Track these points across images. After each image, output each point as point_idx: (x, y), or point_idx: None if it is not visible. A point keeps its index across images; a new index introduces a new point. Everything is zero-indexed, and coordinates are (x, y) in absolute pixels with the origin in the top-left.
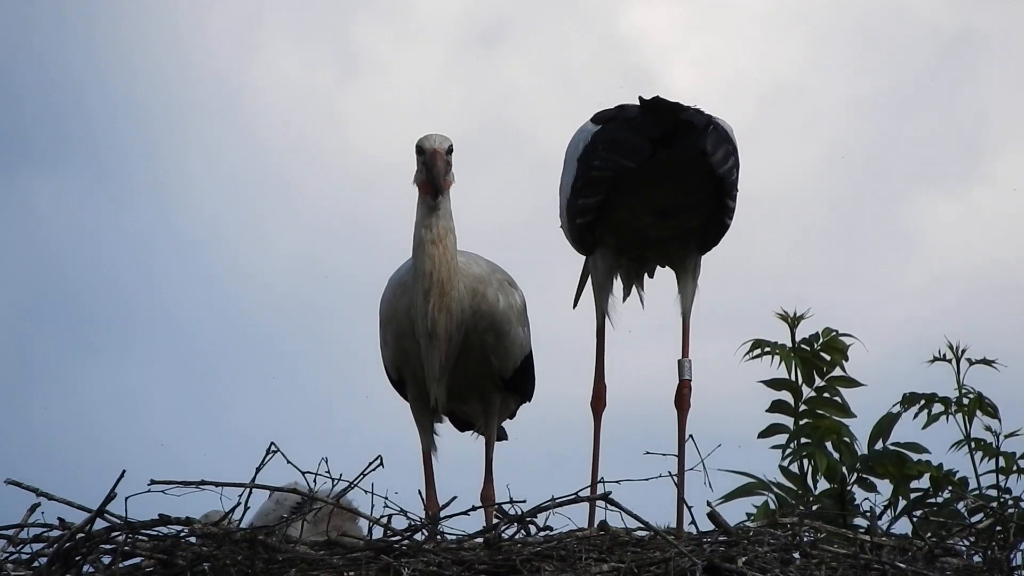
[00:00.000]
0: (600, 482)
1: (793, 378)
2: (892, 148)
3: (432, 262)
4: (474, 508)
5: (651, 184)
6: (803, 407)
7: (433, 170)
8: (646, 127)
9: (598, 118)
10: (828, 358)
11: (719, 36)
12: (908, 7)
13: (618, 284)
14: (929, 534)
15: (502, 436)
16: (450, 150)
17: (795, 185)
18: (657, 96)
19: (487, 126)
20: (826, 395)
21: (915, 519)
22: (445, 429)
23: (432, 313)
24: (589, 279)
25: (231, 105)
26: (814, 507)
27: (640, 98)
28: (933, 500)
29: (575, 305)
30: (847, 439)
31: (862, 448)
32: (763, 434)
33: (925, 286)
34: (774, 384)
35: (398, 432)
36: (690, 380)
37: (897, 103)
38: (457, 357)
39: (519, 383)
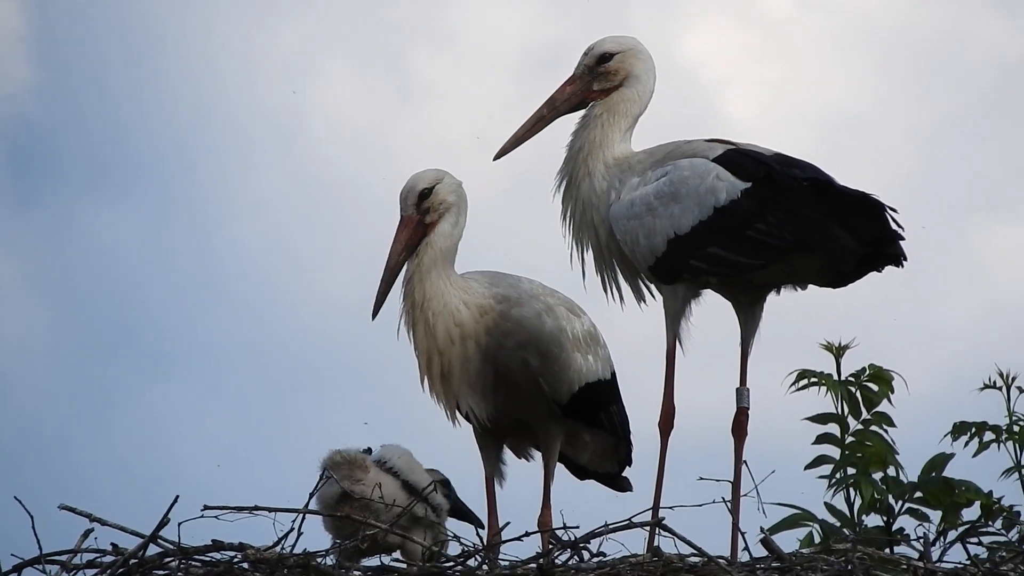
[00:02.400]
0: (658, 508)
1: (839, 410)
2: (953, 176)
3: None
4: (528, 534)
5: (808, 258)
6: (849, 439)
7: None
8: (852, 227)
9: (738, 171)
10: (875, 388)
11: (778, 65)
12: (970, 31)
13: (691, 310)
14: (984, 561)
15: (625, 487)
16: (423, 194)
17: None
18: (864, 195)
19: (549, 157)
20: (872, 428)
21: (968, 546)
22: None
23: (406, 326)
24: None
25: (284, 136)
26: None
27: (826, 184)
28: (984, 528)
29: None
30: (893, 467)
31: (910, 479)
32: (810, 466)
33: (980, 314)
34: (820, 419)
35: (459, 456)
36: (748, 408)
37: (959, 130)
38: (500, 377)
39: (582, 412)
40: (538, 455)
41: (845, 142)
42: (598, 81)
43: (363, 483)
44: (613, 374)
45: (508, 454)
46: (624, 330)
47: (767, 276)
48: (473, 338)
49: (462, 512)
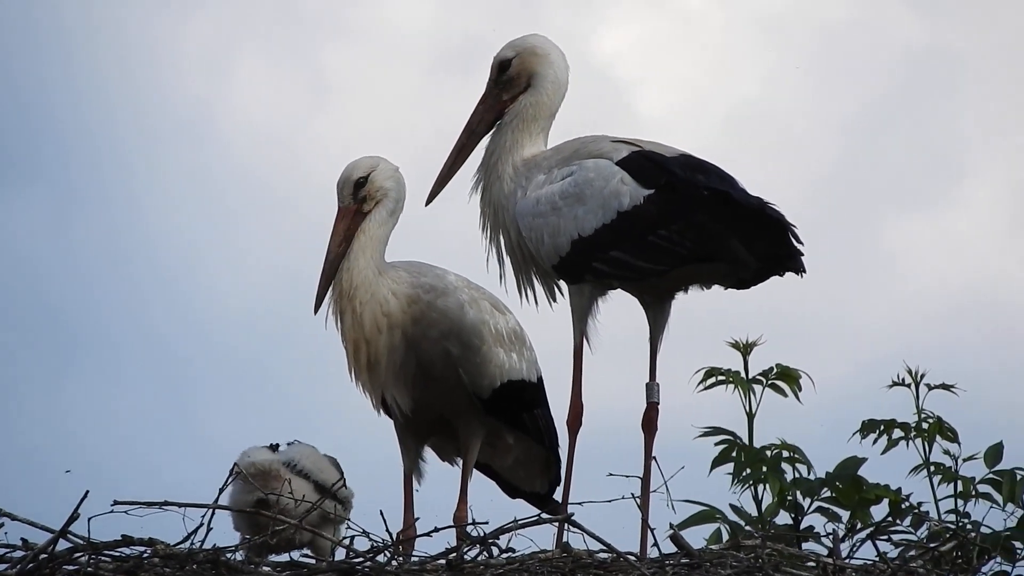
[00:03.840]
0: (567, 504)
1: (747, 407)
2: (865, 171)
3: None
4: (437, 529)
5: (708, 265)
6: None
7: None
8: (750, 239)
9: (641, 176)
10: (783, 386)
11: (691, 60)
12: (879, 23)
13: (597, 308)
14: (893, 558)
15: (558, 509)
16: (359, 183)
17: None
18: (763, 209)
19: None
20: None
21: (877, 544)
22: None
23: (334, 315)
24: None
25: (206, 125)
26: (771, 531)
27: (726, 196)
28: (894, 526)
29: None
30: (803, 465)
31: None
32: (716, 463)
33: (890, 311)
34: (713, 432)
35: (379, 447)
36: (658, 403)
37: (870, 125)
38: (422, 367)
39: (504, 410)
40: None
41: (758, 137)
42: (505, 90)
43: (276, 489)
44: (540, 379)
45: (429, 453)
46: (532, 329)
47: (669, 280)
48: (400, 327)
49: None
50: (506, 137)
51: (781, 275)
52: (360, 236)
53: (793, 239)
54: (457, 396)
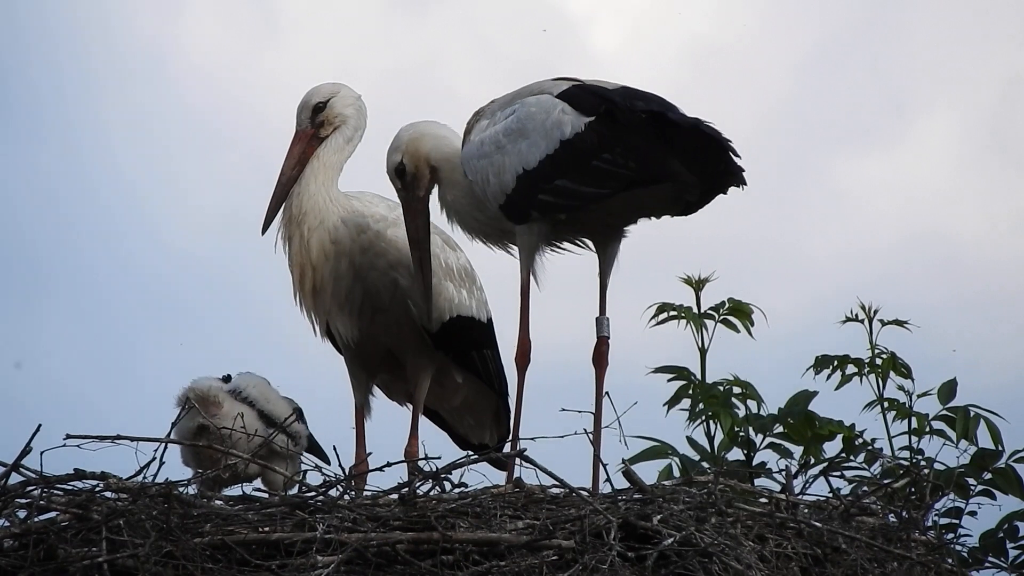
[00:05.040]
0: (517, 439)
1: (699, 343)
2: (819, 108)
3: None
4: (389, 464)
5: (652, 189)
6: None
7: None
8: (690, 157)
9: (581, 105)
10: (736, 322)
11: None
12: None
13: (545, 246)
14: (846, 494)
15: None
16: (317, 108)
17: None
18: (699, 127)
19: (410, 88)
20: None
21: (830, 479)
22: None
23: (283, 239)
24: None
25: (152, 65)
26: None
27: (662, 116)
28: (847, 462)
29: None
30: (755, 402)
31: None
32: (670, 402)
33: (844, 247)
34: (666, 370)
35: (332, 385)
36: (608, 337)
37: (826, 61)
38: (368, 297)
39: (453, 345)
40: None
41: (711, 73)
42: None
43: (218, 417)
44: (490, 321)
45: (379, 394)
46: (480, 267)
47: (614, 207)
48: (347, 256)
49: (312, 445)
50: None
51: (725, 192)
52: (314, 161)
53: (731, 154)
54: (405, 330)
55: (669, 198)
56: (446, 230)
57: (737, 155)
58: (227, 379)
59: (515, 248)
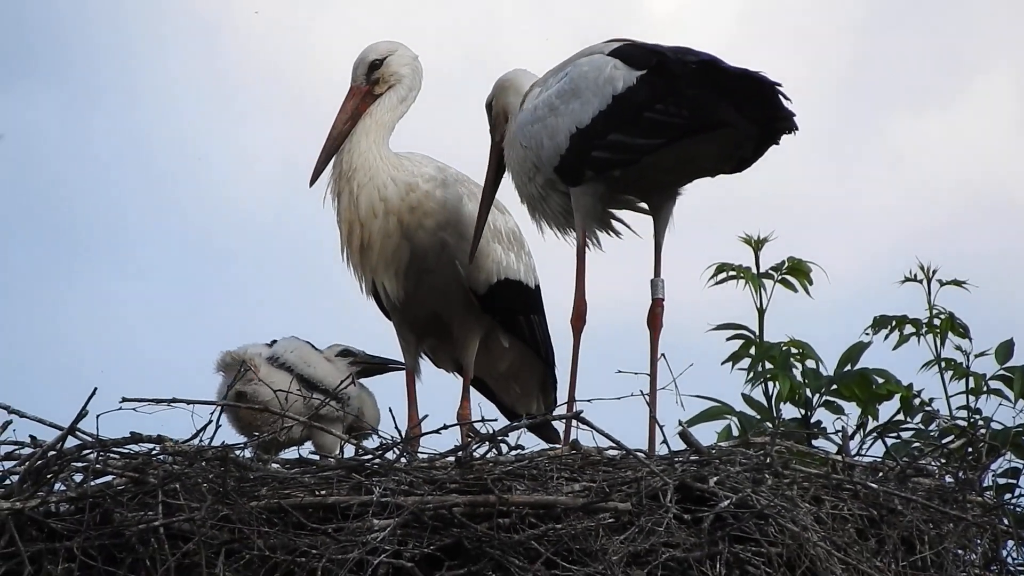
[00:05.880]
0: (573, 401)
1: (758, 303)
2: (878, 66)
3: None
4: (446, 427)
5: (705, 140)
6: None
7: None
8: (741, 103)
9: (633, 61)
10: (794, 282)
11: None
12: None
13: (600, 211)
14: (901, 455)
15: (553, 437)
16: (374, 65)
17: None
18: (750, 74)
19: (466, 49)
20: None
21: (886, 441)
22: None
23: (332, 194)
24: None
25: (211, 19)
26: (781, 429)
27: (713, 65)
28: (904, 423)
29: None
30: (813, 360)
31: (829, 373)
32: (728, 360)
33: (903, 207)
34: (729, 327)
35: (381, 344)
36: (663, 299)
37: (884, 21)
38: (416, 257)
39: (500, 308)
40: (457, 373)
41: (770, 35)
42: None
43: (255, 383)
44: (538, 287)
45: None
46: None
47: (667, 163)
48: (396, 214)
49: (379, 365)
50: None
51: (777, 143)
52: (366, 118)
53: (782, 97)
54: (452, 292)
55: (722, 152)
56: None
57: (787, 98)
58: (273, 344)
59: (554, 226)
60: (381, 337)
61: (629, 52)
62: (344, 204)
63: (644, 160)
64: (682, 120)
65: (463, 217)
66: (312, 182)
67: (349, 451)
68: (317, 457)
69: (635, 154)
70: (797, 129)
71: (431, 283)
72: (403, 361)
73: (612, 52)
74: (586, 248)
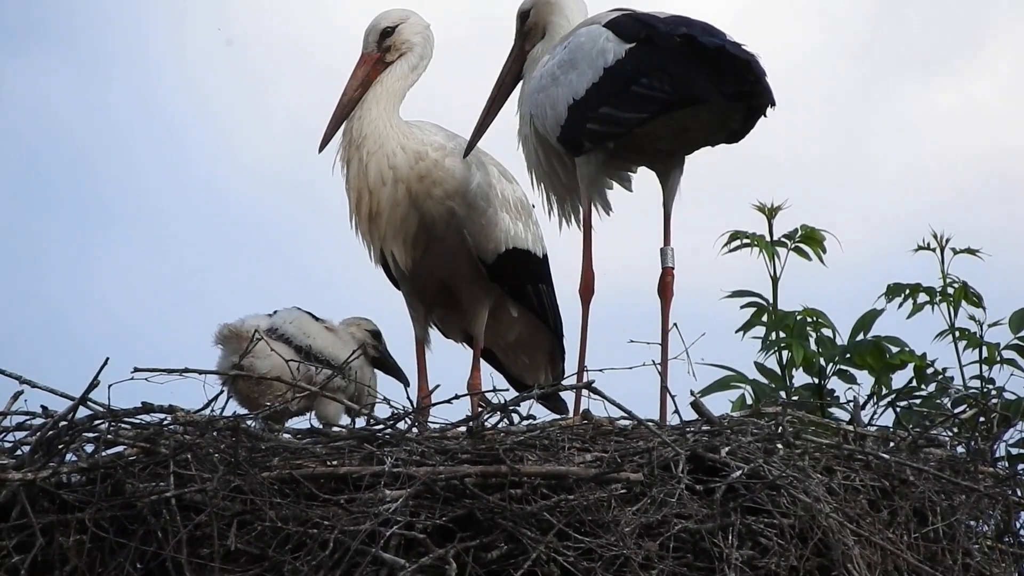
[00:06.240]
0: (584, 371)
1: (772, 271)
2: (888, 35)
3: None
4: (457, 397)
5: (691, 113)
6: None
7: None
8: (719, 79)
9: (624, 33)
10: (808, 250)
11: None
12: None
13: (604, 178)
14: (912, 425)
15: (562, 408)
16: (385, 32)
17: (784, 72)
18: (725, 44)
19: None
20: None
21: (898, 410)
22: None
23: (342, 161)
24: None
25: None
26: (795, 399)
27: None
28: (917, 392)
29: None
30: (826, 329)
31: (843, 341)
32: (742, 328)
33: (916, 175)
34: (740, 294)
35: (391, 316)
36: (673, 268)
37: None
38: (424, 226)
39: (508, 277)
40: (466, 344)
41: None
42: (528, 41)
43: (254, 355)
44: (545, 257)
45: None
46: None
47: (661, 133)
48: (404, 182)
49: (390, 367)
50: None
51: (764, 115)
52: (377, 86)
53: (758, 73)
54: (460, 260)
55: (712, 123)
56: (504, 162)
57: (763, 73)
58: (273, 315)
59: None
60: (392, 307)
61: (623, 24)
62: (353, 172)
63: (637, 132)
64: (664, 95)
65: (472, 186)
66: (321, 148)
67: (359, 423)
68: (329, 428)
69: (623, 127)
70: (774, 104)
71: (439, 251)
72: (406, 380)
73: (608, 23)
74: (592, 216)
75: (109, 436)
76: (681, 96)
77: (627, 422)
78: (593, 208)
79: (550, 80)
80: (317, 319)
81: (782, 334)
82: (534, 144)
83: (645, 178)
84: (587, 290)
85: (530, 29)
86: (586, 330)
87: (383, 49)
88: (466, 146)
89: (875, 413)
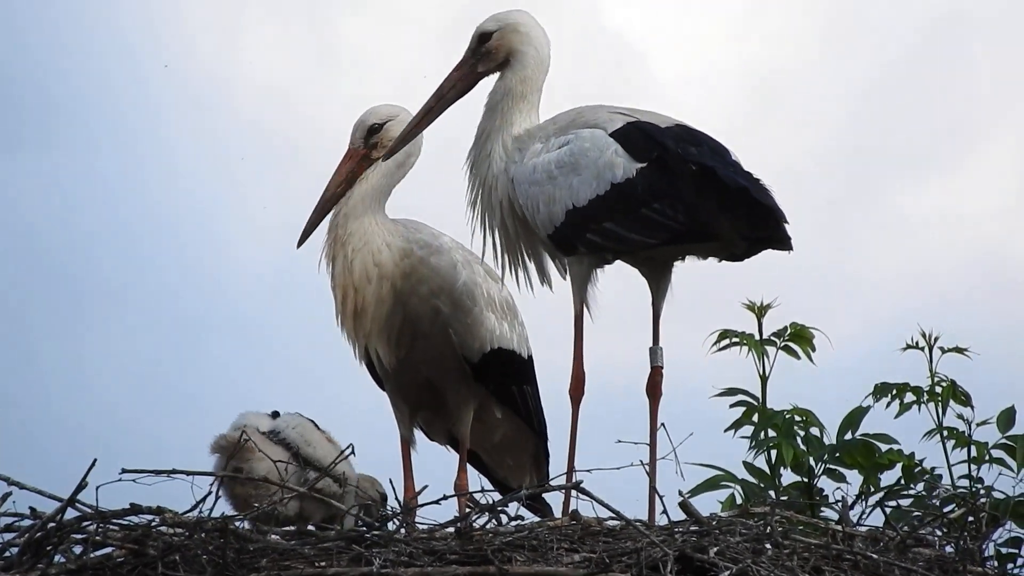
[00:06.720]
0: (573, 471)
1: (761, 370)
2: (878, 134)
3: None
4: (445, 497)
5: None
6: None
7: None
8: (738, 219)
9: (633, 149)
10: (797, 349)
11: (700, 22)
12: None
13: (597, 276)
14: (901, 524)
15: (546, 511)
16: (373, 129)
17: (779, 172)
18: (748, 186)
19: (465, 116)
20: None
21: (887, 510)
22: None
23: (327, 259)
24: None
25: (215, 86)
26: (783, 498)
27: (713, 173)
28: (906, 491)
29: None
30: (815, 428)
31: (832, 439)
32: (731, 427)
33: (905, 275)
34: (729, 392)
35: (377, 415)
36: (662, 367)
37: (884, 87)
38: (409, 323)
39: (493, 378)
40: (450, 446)
41: (772, 100)
42: (482, 63)
43: (251, 462)
44: (530, 358)
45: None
46: (534, 298)
47: (662, 253)
48: (390, 279)
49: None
50: (496, 117)
51: (774, 248)
52: (362, 183)
53: (780, 220)
54: (446, 359)
55: (717, 249)
56: (489, 263)
57: (786, 221)
58: (275, 415)
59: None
60: (376, 406)
61: (632, 137)
62: (338, 269)
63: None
64: (677, 224)
65: (458, 285)
66: (300, 243)
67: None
68: (316, 528)
69: (628, 246)
70: (792, 250)
71: (424, 350)
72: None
73: (615, 132)
74: (583, 316)
75: (97, 537)
76: (696, 229)
77: (615, 522)
78: (584, 308)
79: (545, 176)
80: (319, 428)
81: (771, 433)
82: (510, 223)
83: (634, 278)
84: (577, 390)
85: (489, 52)
86: (576, 430)
87: (370, 145)
88: (388, 150)
89: (864, 512)
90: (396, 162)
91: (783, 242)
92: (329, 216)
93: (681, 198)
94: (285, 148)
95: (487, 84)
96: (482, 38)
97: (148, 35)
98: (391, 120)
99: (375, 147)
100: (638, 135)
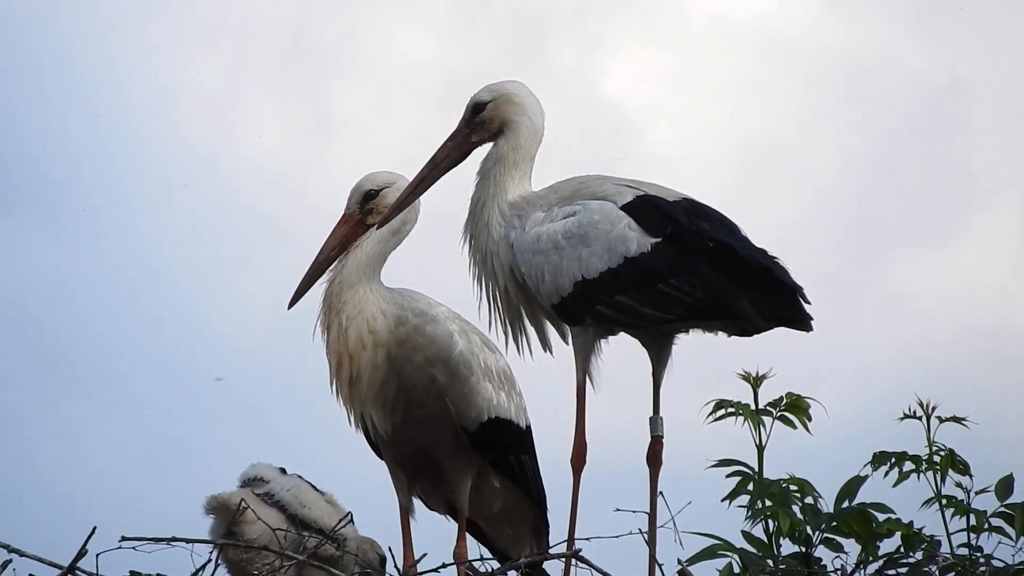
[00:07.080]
0: (573, 540)
1: (757, 440)
2: (877, 205)
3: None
4: (444, 565)
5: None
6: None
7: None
8: (758, 298)
9: (647, 223)
10: (793, 419)
11: (698, 94)
12: (894, 57)
13: (600, 347)
14: None
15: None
16: (369, 195)
17: (775, 240)
18: (770, 266)
19: (462, 184)
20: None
21: None
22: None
23: (321, 327)
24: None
25: (203, 163)
26: (782, 567)
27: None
28: (905, 559)
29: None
30: (812, 497)
31: (829, 509)
32: (728, 497)
33: (901, 345)
34: (725, 463)
35: (372, 484)
36: (662, 436)
37: (882, 158)
38: (404, 391)
39: (491, 447)
40: (449, 516)
41: (766, 170)
42: (476, 133)
43: (243, 524)
44: (529, 428)
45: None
46: (534, 365)
47: (672, 327)
48: (384, 347)
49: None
50: (489, 184)
51: (789, 327)
52: (357, 249)
53: (801, 300)
54: (442, 428)
55: (730, 326)
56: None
57: (807, 301)
58: (283, 471)
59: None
60: (374, 474)
61: (644, 211)
62: (333, 336)
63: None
64: (695, 301)
65: (454, 354)
66: (291, 305)
67: None
68: None
69: (642, 320)
70: (812, 330)
71: (420, 418)
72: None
73: (625, 206)
74: (586, 387)
75: None
76: (714, 307)
77: None
78: (587, 379)
79: (551, 246)
80: (317, 490)
81: (768, 502)
82: (512, 288)
83: (633, 347)
84: (579, 459)
85: (483, 122)
86: (577, 500)
87: (365, 211)
88: (383, 217)
89: None
90: (391, 229)
91: (804, 323)
92: (323, 284)
93: (699, 274)
94: (281, 227)
95: (481, 152)
96: (476, 108)
97: (146, 107)
98: (388, 187)
99: (371, 213)
100: (650, 209)
